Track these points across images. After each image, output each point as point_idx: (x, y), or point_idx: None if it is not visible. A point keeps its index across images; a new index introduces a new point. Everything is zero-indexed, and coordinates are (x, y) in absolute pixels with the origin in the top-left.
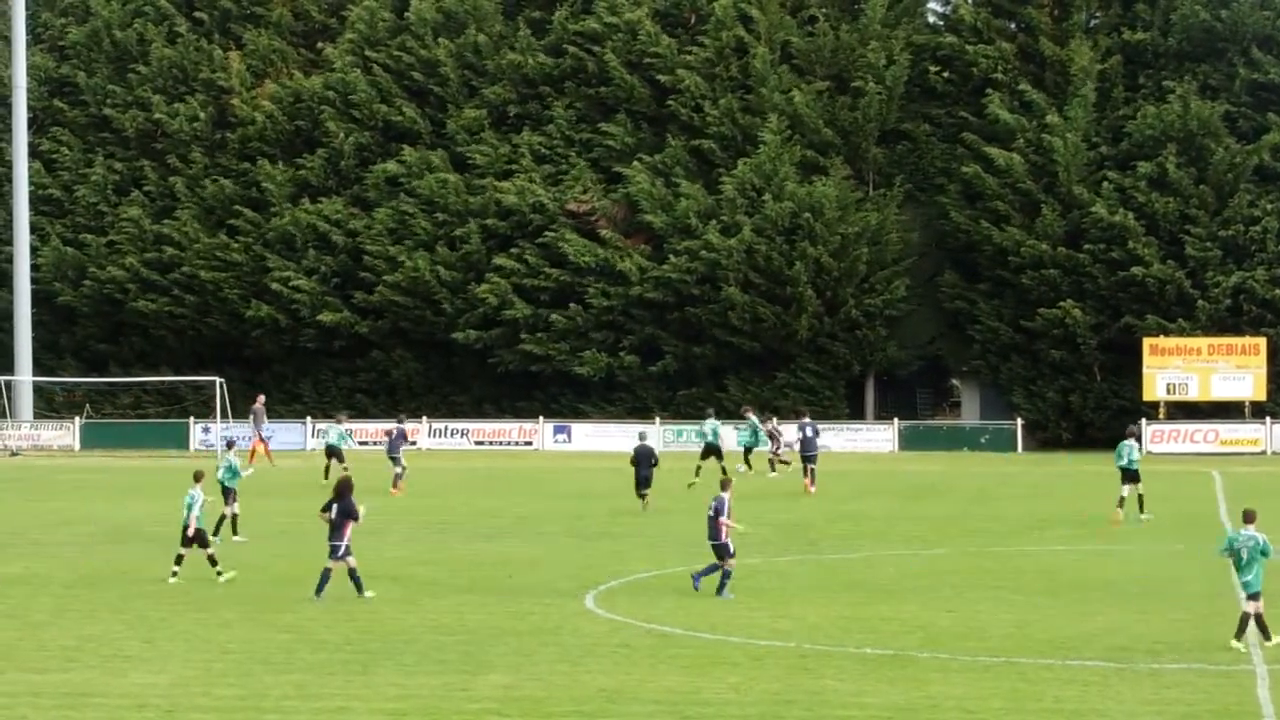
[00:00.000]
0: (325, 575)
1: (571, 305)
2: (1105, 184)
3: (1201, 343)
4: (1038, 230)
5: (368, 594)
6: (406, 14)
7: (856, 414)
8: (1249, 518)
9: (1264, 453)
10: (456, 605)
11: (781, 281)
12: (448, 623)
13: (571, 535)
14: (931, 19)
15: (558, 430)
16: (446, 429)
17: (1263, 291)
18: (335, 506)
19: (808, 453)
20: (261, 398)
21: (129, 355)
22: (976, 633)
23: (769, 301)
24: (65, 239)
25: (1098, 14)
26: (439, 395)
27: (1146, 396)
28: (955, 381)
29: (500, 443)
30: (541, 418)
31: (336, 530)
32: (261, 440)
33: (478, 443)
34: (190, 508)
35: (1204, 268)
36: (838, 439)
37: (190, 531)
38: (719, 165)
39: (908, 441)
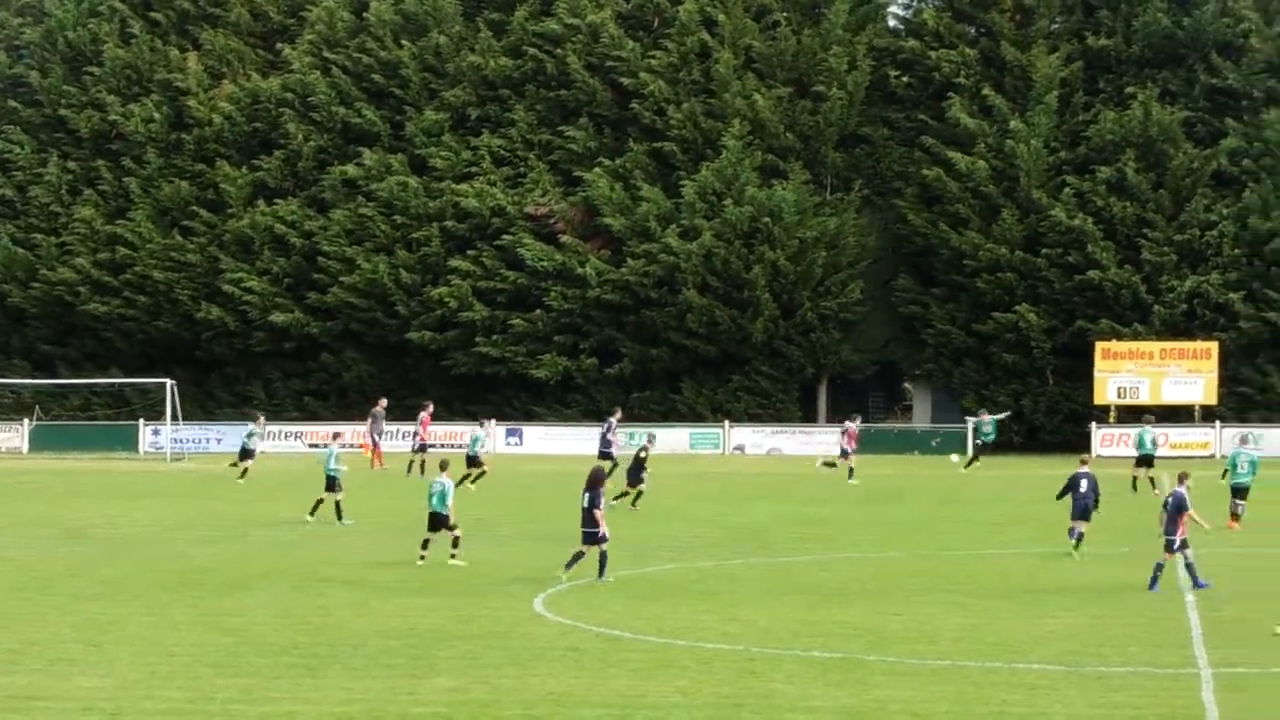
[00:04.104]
0: (576, 556)
1: (535, 310)
2: (1065, 189)
3: (1153, 347)
4: (996, 234)
5: (608, 579)
6: (366, 15)
7: (809, 417)
8: None
9: (1214, 456)
10: (405, 608)
11: (739, 285)
12: (396, 626)
13: (524, 538)
14: (893, 23)
15: (509, 434)
16: (398, 431)
17: (1217, 295)
18: (586, 497)
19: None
20: (384, 401)
21: (78, 357)
22: (925, 636)
23: (726, 305)
24: (16, 239)
25: (1059, 19)
26: (392, 398)
27: (1097, 400)
28: (907, 385)
29: (452, 445)
30: (494, 420)
31: (589, 518)
32: (375, 443)
33: (429, 445)
34: (444, 496)
35: (1160, 272)
36: (790, 442)
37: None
38: (680, 169)
39: (859, 445)
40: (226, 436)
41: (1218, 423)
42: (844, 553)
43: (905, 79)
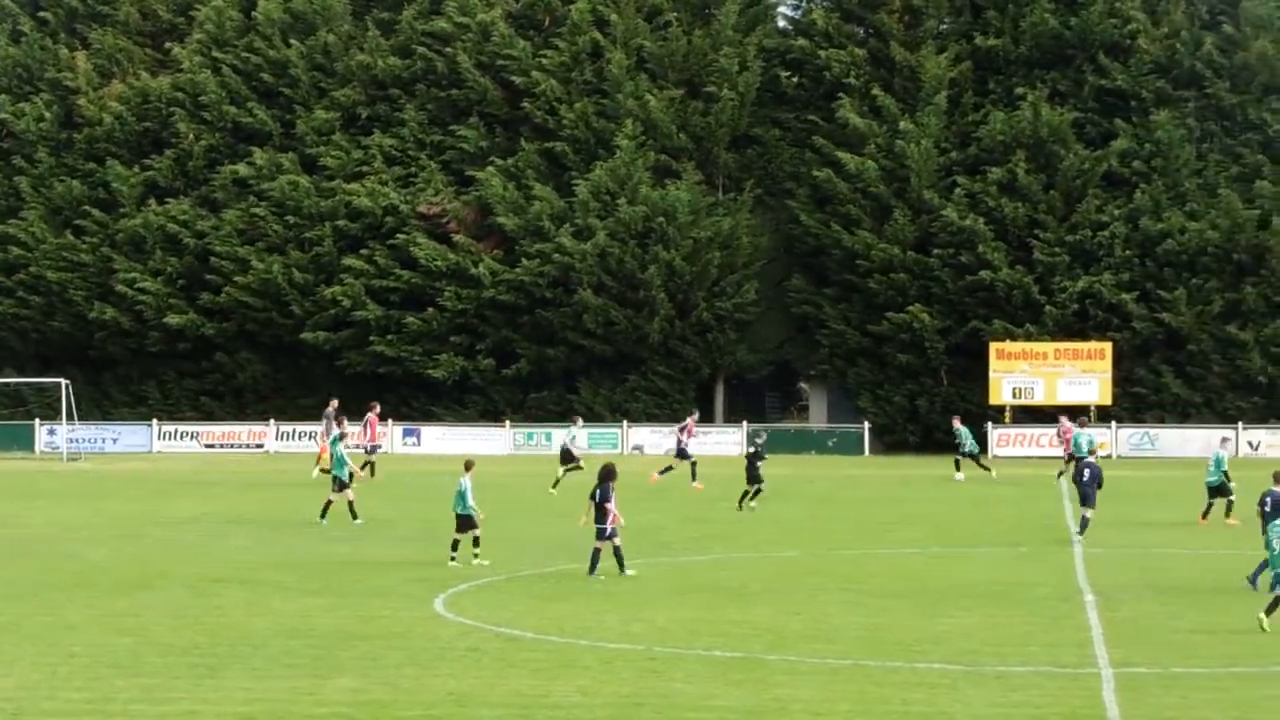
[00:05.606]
0: (595, 555)
1: (429, 309)
2: (956, 189)
3: (1048, 347)
4: (888, 234)
5: (629, 572)
6: (254, 14)
7: (706, 417)
8: None
9: (1110, 456)
10: (305, 608)
11: (634, 285)
12: (296, 626)
13: (422, 539)
14: (783, 23)
15: (406, 434)
16: (294, 431)
17: (1109, 296)
18: (598, 492)
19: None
20: (335, 402)
21: None
22: (825, 635)
23: (621, 305)
24: None
25: (948, 20)
26: (287, 398)
27: (993, 400)
28: (803, 385)
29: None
30: (390, 420)
31: (600, 514)
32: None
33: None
34: (464, 496)
35: (1052, 273)
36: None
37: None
38: (572, 169)
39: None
40: (122, 436)
41: (1113, 423)
42: (743, 552)
43: (795, 79)
